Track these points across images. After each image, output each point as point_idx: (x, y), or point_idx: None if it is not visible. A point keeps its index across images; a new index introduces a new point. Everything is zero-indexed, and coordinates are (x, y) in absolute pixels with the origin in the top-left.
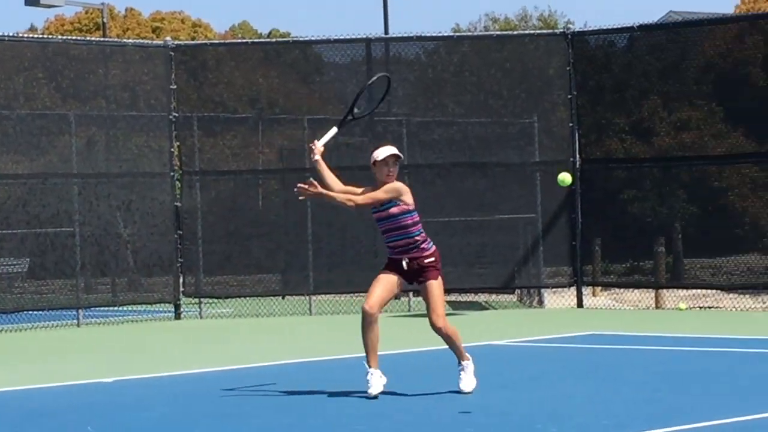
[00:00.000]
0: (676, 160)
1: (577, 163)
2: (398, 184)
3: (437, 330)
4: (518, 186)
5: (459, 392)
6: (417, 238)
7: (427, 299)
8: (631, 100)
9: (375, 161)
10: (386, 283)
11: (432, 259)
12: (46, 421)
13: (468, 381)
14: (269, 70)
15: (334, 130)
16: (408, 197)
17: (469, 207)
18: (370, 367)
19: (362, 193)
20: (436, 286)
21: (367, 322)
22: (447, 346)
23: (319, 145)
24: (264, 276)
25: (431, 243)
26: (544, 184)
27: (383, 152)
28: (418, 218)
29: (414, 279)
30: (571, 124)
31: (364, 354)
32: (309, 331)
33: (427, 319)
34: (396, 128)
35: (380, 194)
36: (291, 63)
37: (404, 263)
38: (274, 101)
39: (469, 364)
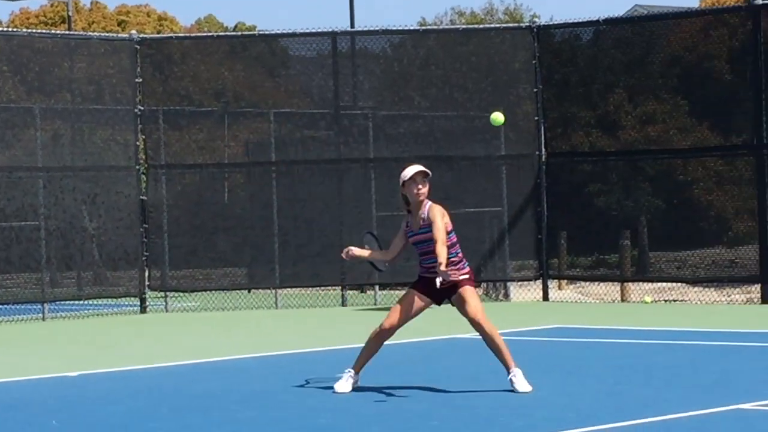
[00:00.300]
0: (641, 153)
1: (543, 156)
2: (441, 208)
3: (476, 323)
4: (484, 179)
5: (515, 391)
6: (453, 260)
7: (462, 303)
8: (596, 93)
9: (404, 181)
10: (413, 305)
11: (466, 276)
12: (10, 414)
13: (522, 384)
14: (235, 64)
15: (367, 252)
16: (447, 219)
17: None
18: (353, 369)
19: (404, 238)
20: (469, 289)
21: (380, 337)
22: (488, 348)
23: (355, 252)
24: (230, 270)
25: (467, 264)
26: (510, 177)
27: (410, 171)
28: (455, 239)
29: (445, 297)
30: (536, 118)
31: (357, 356)
32: (275, 324)
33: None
34: (362, 122)
35: (440, 223)
36: (257, 56)
37: (438, 282)
38: (239, 95)
39: (517, 371)
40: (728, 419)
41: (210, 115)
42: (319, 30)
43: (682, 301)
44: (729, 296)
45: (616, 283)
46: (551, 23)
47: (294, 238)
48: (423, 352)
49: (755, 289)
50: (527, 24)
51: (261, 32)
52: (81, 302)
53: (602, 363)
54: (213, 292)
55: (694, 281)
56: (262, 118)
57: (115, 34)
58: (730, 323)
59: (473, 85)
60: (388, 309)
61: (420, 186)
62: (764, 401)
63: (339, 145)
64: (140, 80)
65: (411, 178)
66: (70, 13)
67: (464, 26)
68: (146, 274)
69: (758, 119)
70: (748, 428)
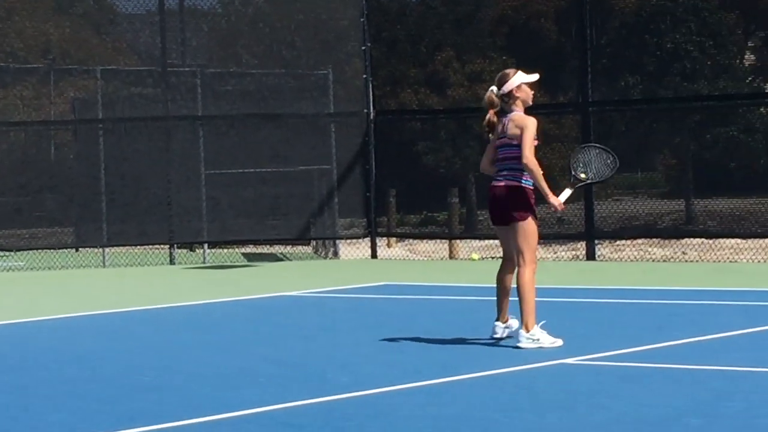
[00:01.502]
0: (470, 111)
1: (371, 114)
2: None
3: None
4: (313, 137)
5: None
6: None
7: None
8: (425, 52)
9: (522, 84)
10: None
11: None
12: None
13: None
14: (62, 20)
15: (568, 192)
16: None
17: (263, 158)
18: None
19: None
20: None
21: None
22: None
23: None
24: (57, 228)
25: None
26: (339, 135)
27: (532, 76)
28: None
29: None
30: (365, 76)
31: (531, 316)
32: (102, 283)
33: (220, 272)
34: (190, 79)
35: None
36: (84, 13)
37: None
38: (66, 52)
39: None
40: (552, 374)
41: (36, 72)
42: None
43: None
44: (555, 253)
45: (444, 240)
46: None
47: (121, 196)
48: (251, 310)
49: (581, 246)
50: None
51: None
52: None
53: (430, 319)
54: (40, 251)
55: None
56: (89, 75)
57: None
58: (556, 280)
59: (302, 43)
60: (216, 267)
61: (533, 90)
62: (587, 356)
63: (167, 103)
64: None
65: (533, 83)
66: None
67: None
68: None
69: (584, 78)
70: (570, 382)
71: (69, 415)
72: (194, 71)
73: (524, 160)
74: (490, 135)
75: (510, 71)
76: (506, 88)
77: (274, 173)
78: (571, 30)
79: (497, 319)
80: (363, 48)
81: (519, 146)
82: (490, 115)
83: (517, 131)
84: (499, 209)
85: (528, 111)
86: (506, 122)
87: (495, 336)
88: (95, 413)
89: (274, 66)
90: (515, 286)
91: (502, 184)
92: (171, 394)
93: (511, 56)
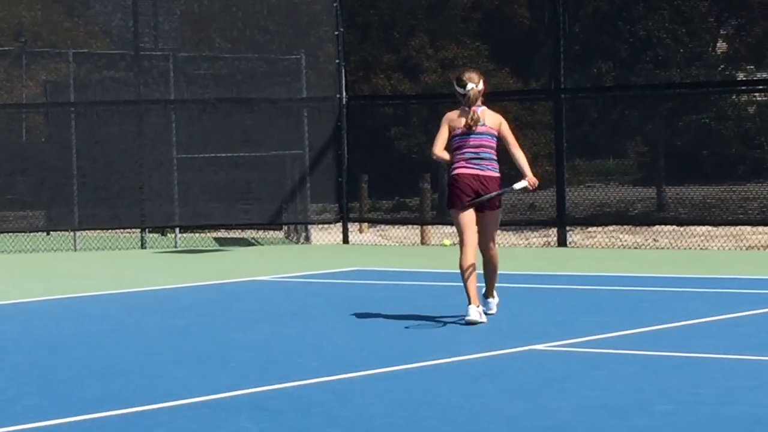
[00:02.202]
0: (442, 97)
1: (344, 99)
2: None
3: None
4: (285, 122)
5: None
6: None
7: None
8: (398, 37)
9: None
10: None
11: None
12: None
13: (474, 314)
14: (34, 3)
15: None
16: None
17: (236, 143)
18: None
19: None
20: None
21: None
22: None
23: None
24: (28, 212)
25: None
26: (311, 120)
27: None
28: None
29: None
30: (337, 61)
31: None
32: (73, 267)
33: (191, 256)
34: (162, 63)
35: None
36: None
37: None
38: (38, 34)
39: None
40: (521, 359)
41: (7, 55)
42: None
43: None
44: (527, 239)
45: (416, 226)
46: None
47: (93, 179)
48: (222, 294)
49: (552, 233)
50: None
51: None
52: None
53: (400, 305)
54: (10, 234)
55: None
56: (61, 59)
57: None
58: (528, 266)
59: (274, 27)
60: (187, 252)
61: None
62: (557, 342)
63: (139, 87)
64: None
65: None
66: None
67: None
68: None
69: (556, 64)
70: (539, 368)
71: (40, 399)
72: (167, 55)
73: (517, 149)
74: (471, 125)
75: (474, 72)
76: (481, 85)
77: (246, 158)
78: (544, 16)
79: (470, 304)
80: (336, 33)
81: (497, 137)
82: (473, 110)
83: (497, 122)
84: (479, 196)
85: (501, 96)
86: (479, 113)
87: (471, 320)
88: (66, 397)
89: (247, 50)
90: (481, 270)
91: (485, 173)
92: (141, 378)
93: (484, 42)
